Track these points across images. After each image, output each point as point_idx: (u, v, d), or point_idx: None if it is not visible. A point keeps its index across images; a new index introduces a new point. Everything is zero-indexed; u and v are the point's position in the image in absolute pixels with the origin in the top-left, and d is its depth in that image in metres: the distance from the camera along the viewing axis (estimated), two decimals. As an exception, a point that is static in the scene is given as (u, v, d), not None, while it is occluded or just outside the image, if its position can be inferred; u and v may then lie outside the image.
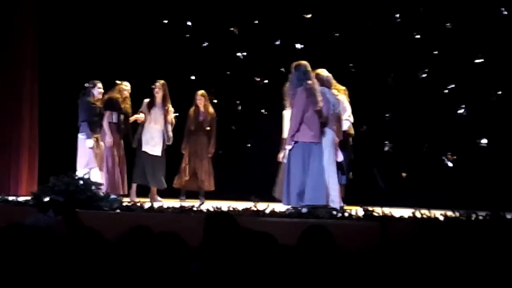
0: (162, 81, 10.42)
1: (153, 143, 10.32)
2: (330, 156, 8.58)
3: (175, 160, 10.68)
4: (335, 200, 8.42)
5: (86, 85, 9.78)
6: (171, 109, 10.46)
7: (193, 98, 10.71)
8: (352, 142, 9.30)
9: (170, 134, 10.42)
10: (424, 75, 10.29)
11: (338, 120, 8.77)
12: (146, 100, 10.41)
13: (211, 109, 10.72)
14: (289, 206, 8.24)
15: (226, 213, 5.99)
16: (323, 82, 8.71)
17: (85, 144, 9.65)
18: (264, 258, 3.47)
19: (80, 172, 9.25)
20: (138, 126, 10.43)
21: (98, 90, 9.77)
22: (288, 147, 8.50)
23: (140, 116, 10.31)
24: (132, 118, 10.30)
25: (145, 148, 10.32)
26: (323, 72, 8.80)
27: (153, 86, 10.42)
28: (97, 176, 9.43)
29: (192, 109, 10.69)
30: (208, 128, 10.65)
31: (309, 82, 8.44)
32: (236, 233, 4.04)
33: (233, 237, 3.90)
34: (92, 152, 9.63)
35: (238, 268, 3.44)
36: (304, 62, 8.57)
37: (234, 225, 4.43)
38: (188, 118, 10.69)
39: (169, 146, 10.52)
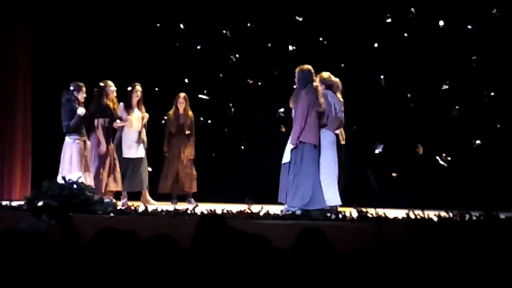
0: (138, 84, 10.37)
1: (135, 146, 10.27)
2: (331, 157, 8.62)
3: (158, 163, 10.66)
4: (331, 199, 8.47)
5: (71, 88, 9.62)
6: (144, 110, 10.40)
7: (174, 100, 10.66)
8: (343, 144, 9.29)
9: (145, 138, 10.35)
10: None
11: (341, 122, 8.85)
12: (122, 104, 10.27)
13: (190, 113, 10.65)
14: (284, 206, 8.33)
15: (218, 216, 5.99)
16: (328, 86, 8.79)
17: (69, 148, 9.56)
18: (258, 261, 3.47)
19: (62, 175, 9.13)
20: (117, 131, 10.26)
21: (83, 94, 9.64)
22: (291, 146, 8.55)
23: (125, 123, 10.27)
24: (119, 124, 10.22)
25: (127, 154, 10.22)
26: (329, 75, 8.87)
27: (130, 89, 10.33)
28: (82, 180, 9.37)
29: (171, 112, 10.61)
30: (188, 132, 10.60)
31: (314, 84, 8.53)
32: (227, 236, 4.03)
33: (224, 240, 3.89)
34: (77, 156, 9.52)
35: (232, 271, 3.43)
36: (307, 66, 8.64)
37: (225, 228, 4.43)
38: (168, 121, 10.64)
39: (153, 149, 10.51)
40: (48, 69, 11.41)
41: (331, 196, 8.53)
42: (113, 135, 10.15)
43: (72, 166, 9.47)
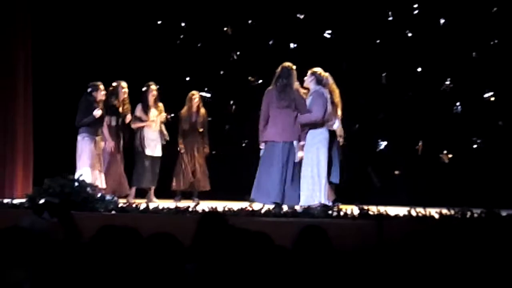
0: (152, 83, 10.43)
1: (153, 144, 10.37)
2: (324, 155, 8.62)
3: (170, 161, 10.67)
4: (315, 198, 8.48)
5: (89, 89, 9.73)
6: (162, 108, 10.50)
7: (186, 98, 10.70)
8: (344, 142, 9.27)
9: (165, 131, 10.48)
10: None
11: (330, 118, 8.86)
12: (140, 105, 10.39)
13: (203, 110, 10.73)
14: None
15: (218, 214, 6.00)
16: (320, 81, 8.77)
17: (82, 145, 9.64)
18: (259, 258, 3.47)
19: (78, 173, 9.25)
20: (137, 131, 10.40)
21: (100, 92, 9.77)
22: (262, 146, 8.81)
23: (147, 123, 10.36)
24: (139, 125, 10.33)
25: (148, 152, 10.33)
26: (320, 71, 8.85)
27: (145, 89, 10.39)
28: (90, 176, 9.45)
29: (184, 110, 10.68)
30: (202, 130, 10.65)
31: (284, 80, 8.59)
32: (228, 233, 4.04)
33: (225, 237, 3.89)
34: (88, 153, 9.62)
35: (234, 269, 3.44)
36: (287, 64, 8.75)
37: (225, 225, 4.44)
38: (181, 119, 10.70)
39: (163, 147, 10.54)
40: (48, 67, 11.42)
41: (319, 194, 8.53)
42: (124, 135, 10.21)
43: (80, 163, 9.56)
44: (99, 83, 9.82)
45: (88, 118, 9.62)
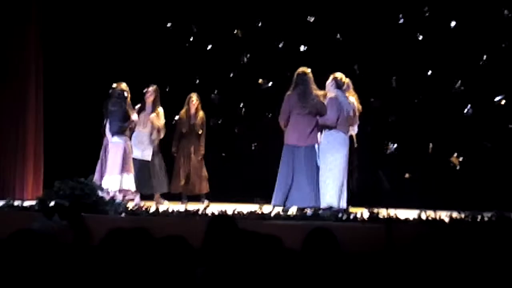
0: (154, 86, 10.39)
1: (142, 147, 10.27)
2: (340, 159, 8.61)
3: (171, 163, 10.67)
4: (328, 199, 8.47)
5: (119, 92, 9.74)
6: (161, 114, 10.37)
7: (185, 100, 10.68)
8: (356, 145, 9.27)
9: (153, 137, 10.31)
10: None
11: (351, 122, 8.85)
12: (138, 105, 10.33)
13: (201, 112, 10.68)
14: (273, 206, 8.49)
15: (228, 216, 6.00)
16: (340, 86, 8.79)
17: (121, 149, 9.67)
18: (269, 261, 3.47)
19: (112, 178, 9.27)
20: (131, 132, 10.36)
21: (129, 96, 9.82)
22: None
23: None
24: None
25: (135, 154, 10.14)
26: (341, 76, 8.88)
27: (145, 91, 10.38)
28: (131, 181, 9.61)
29: (183, 112, 10.65)
30: (200, 132, 10.61)
31: (301, 87, 8.63)
32: (238, 236, 4.04)
33: (235, 240, 3.89)
34: (127, 157, 9.67)
35: (244, 272, 3.43)
36: (302, 69, 8.75)
37: (235, 228, 4.43)
38: (179, 121, 10.66)
39: (167, 150, 10.52)
40: (59, 69, 11.45)
41: (328, 196, 8.52)
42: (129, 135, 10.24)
43: (127, 166, 9.65)
44: (125, 86, 9.82)
45: (127, 122, 9.69)
